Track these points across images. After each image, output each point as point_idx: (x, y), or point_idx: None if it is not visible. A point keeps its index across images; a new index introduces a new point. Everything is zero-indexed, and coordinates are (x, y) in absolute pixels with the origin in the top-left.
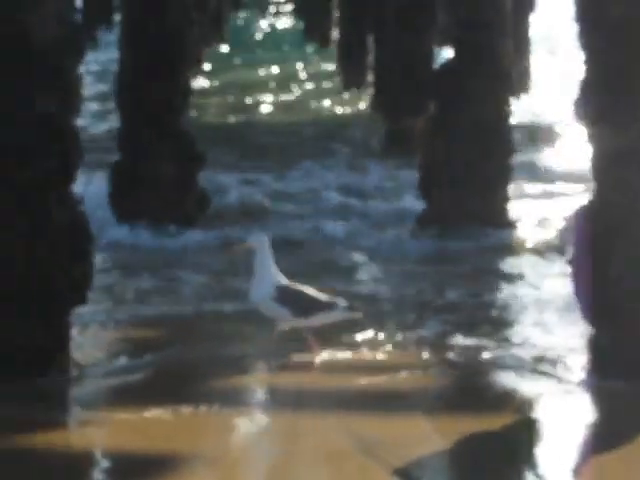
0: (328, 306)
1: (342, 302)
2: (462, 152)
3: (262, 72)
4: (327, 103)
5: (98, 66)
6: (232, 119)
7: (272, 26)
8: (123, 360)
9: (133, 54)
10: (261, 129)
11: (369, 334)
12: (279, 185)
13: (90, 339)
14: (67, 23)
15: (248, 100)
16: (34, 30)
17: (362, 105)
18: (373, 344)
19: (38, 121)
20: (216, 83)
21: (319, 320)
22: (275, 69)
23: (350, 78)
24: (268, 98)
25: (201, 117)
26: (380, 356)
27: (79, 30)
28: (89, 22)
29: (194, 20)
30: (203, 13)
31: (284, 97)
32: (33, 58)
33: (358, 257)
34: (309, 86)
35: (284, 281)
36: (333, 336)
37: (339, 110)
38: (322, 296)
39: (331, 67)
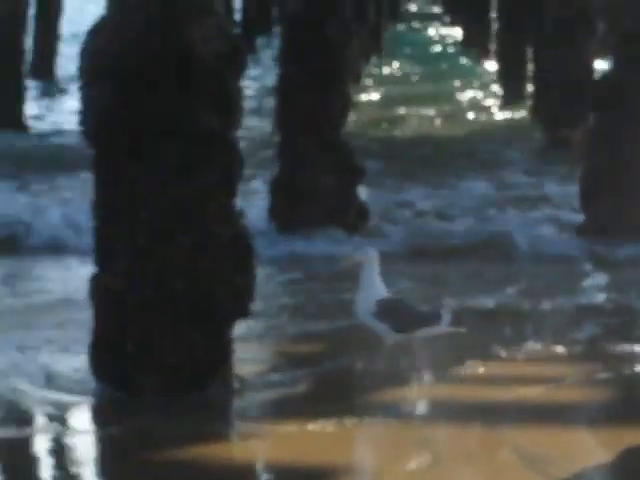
0: (431, 321)
1: (447, 316)
2: (623, 163)
3: (419, 84)
4: (486, 115)
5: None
6: (391, 132)
7: (430, 37)
8: (284, 373)
9: (292, 67)
10: (423, 141)
11: (531, 344)
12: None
13: (251, 352)
14: (228, 38)
15: (407, 112)
16: (196, 46)
17: (521, 116)
18: (534, 355)
19: (200, 135)
20: (375, 96)
21: (421, 335)
22: (432, 81)
23: (510, 90)
24: (427, 110)
25: (359, 130)
26: (540, 367)
27: (240, 45)
28: (249, 36)
29: (353, 32)
30: (362, 25)
31: (443, 109)
32: (196, 73)
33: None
34: (467, 97)
35: (387, 296)
36: (492, 348)
37: (498, 122)
38: (425, 310)
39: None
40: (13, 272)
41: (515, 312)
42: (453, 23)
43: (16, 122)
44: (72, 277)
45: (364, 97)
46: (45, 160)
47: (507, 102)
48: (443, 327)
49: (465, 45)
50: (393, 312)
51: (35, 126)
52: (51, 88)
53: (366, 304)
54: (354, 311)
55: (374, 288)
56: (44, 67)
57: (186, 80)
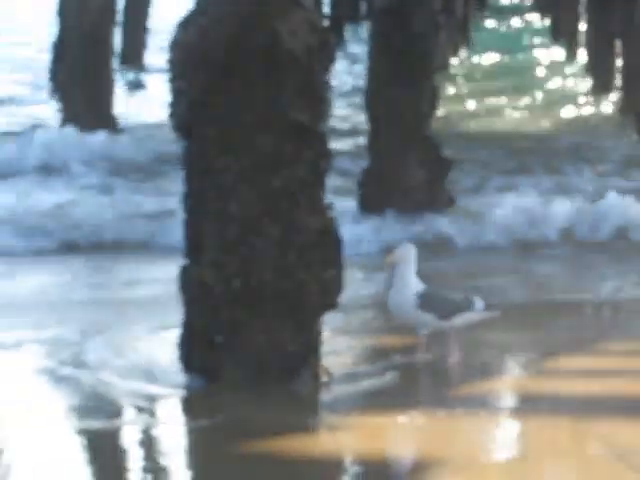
0: (466, 307)
1: (479, 301)
2: None
3: (507, 76)
4: (575, 107)
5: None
6: (480, 124)
7: (518, 29)
8: (372, 365)
9: (381, 61)
10: (512, 135)
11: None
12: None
13: (339, 344)
14: (317, 31)
15: (495, 105)
16: (286, 39)
17: (610, 108)
18: (627, 350)
19: (289, 128)
20: (464, 89)
21: (459, 321)
22: (520, 73)
23: (599, 81)
24: (515, 103)
25: (448, 122)
26: (634, 362)
27: (329, 38)
28: (337, 29)
29: (441, 25)
30: (450, 18)
31: (532, 101)
32: (285, 67)
33: None
34: (556, 89)
35: (422, 288)
36: (585, 342)
37: (587, 114)
38: (459, 297)
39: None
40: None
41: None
42: (542, 14)
43: (106, 119)
44: None
45: (452, 90)
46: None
47: (596, 94)
48: (477, 312)
49: (554, 36)
50: (432, 302)
51: (124, 122)
52: (139, 81)
53: (405, 298)
54: (390, 305)
55: (409, 281)
56: (133, 59)
57: (275, 74)
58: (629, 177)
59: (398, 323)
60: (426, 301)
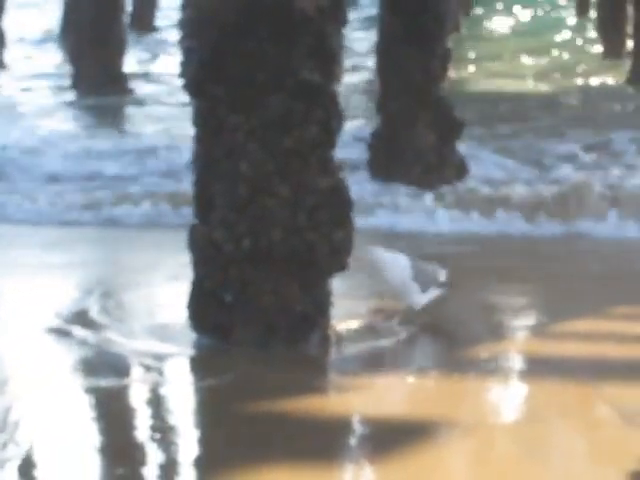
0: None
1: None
2: None
3: (518, 38)
4: (585, 72)
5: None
6: (490, 87)
7: None
8: (382, 327)
9: (391, 21)
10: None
11: (630, 304)
12: None
13: (349, 306)
14: None
15: (505, 67)
16: None
17: (621, 75)
18: (634, 313)
19: (300, 88)
20: (472, 52)
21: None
22: (530, 36)
23: (610, 46)
24: (524, 68)
25: (457, 84)
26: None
27: None
28: None
29: None
30: None
31: (541, 64)
32: (297, 26)
33: None
34: (567, 53)
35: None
36: (592, 305)
37: (597, 80)
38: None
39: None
40: None
41: None
42: None
43: (117, 80)
44: None
45: (463, 53)
46: None
47: (607, 58)
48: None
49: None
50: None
51: (136, 85)
52: (151, 40)
53: (401, 268)
54: (388, 275)
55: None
56: (144, 19)
57: (287, 33)
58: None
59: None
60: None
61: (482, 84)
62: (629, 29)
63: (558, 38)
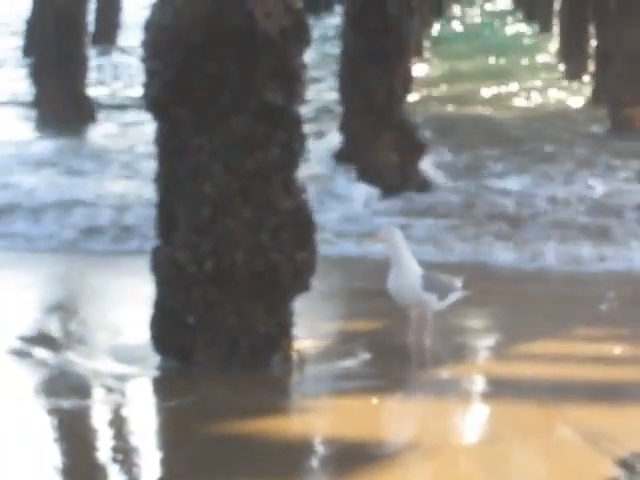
0: (453, 287)
1: (458, 281)
2: None
3: (478, 58)
4: (547, 94)
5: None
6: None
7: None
8: (343, 348)
9: (355, 43)
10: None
11: (590, 326)
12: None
13: (311, 327)
14: (291, 12)
15: (466, 89)
16: (261, 21)
17: (584, 95)
18: (594, 336)
19: (263, 110)
20: (437, 72)
21: (449, 302)
22: (492, 57)
23: (572, 67)
24: (486, 89)
25: (419, 106)
26: (601, 347)
27: (304, 20)
28: (311, 11)
29: (414, 8)
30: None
31: (503, 85)
32: (260, 48)
33: None
34: (528, 74)
35: (421, 270)
36: (553, 328)
37: (560, 101)
38: (447, 278)
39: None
40: None
41: None
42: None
43: (79, 102)
44: None
45: (424, 72)
46: None
47: (569, 79)
48: (459, 292)
49: (527, 19)
50: (433, 284)
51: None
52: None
53: (410, 279)
54: (393, 286)
55: (409, 264)
56: (106, 40)
57: (251, 55)
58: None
59: (369, 305)
60: (428, 283)
61: (441, 106)
62: (590, 50)
63: (520, 58)
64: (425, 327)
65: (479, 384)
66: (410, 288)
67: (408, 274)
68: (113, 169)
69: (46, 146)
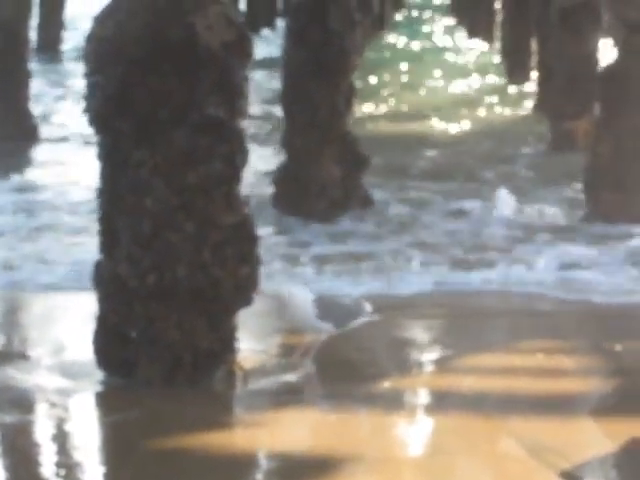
0: (356, 312)
1: (368, 305)
2: (627, 155)
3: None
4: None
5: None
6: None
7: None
8: (286, 362)
9: (297, 57)
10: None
11: (534, 339)
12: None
13: (253, 341)
14: (234, 26)
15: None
16: (202, 34)
17: (525, 107)
18: (536, 348)
19: (206, 123)
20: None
21: (352, 326)
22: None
23: (514, 80)
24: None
25: (363, 122)
26: (544, 359)
27: (246, 33)
28: (253, 25)
29: (356, 22)
30: (366, 15)
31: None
32: (201, 62)
33: None
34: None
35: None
36: (498, 340)
37: (501, 113)
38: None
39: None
40: None
41: None
42: (457, 13)
43: (23, 127)
44: None
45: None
46: None
47: (512, 84)
48: (366, 317)
49: (469, 35)
50: (327, 309)
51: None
52: (56, 73)
53: (305, 305)
54: (292, 312)
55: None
56: (49, 52)
57: (192, 69)
58: None
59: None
60: (320, 307)
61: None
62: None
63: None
64: None
65: (423, 397)
66: (305, 315)
67: (302, 300)
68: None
69: None
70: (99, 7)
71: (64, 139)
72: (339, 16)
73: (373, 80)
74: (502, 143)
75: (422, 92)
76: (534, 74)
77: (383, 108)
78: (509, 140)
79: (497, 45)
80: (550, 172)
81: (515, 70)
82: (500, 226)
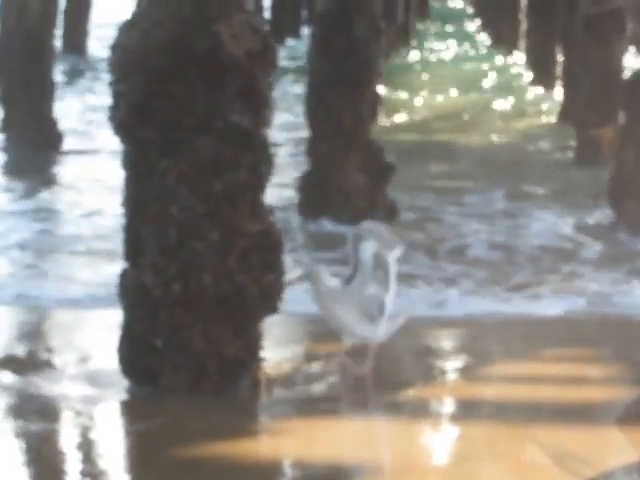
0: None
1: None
2: None
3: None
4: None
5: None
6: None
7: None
8: (312, 371)
9: (322, 65)
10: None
11: (558, 347)
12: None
13: (280, 350)
14: (259, 35)
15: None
16: (227, 43)
17: (551, 116)
18: (559, 356)
19: (230, 132)
20: (404, 95)
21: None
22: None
23: (539, 86)
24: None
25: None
26: (570, 368)
27: (271, 42)
28: (278, 34)
29: (381, 30)
30: (391, 24)
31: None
32: (226, 70)
33: None
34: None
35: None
36: (519, 349)
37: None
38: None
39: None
40: None
41: None
42: (483, 22)
43: (48, 136)
44: None
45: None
46: None
47: (536, 99)
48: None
49: (494, 44)
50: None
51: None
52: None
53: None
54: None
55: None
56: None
57: (217, 77)
58: None
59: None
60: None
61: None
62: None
63: (490, 83)
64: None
65: (448, 405)
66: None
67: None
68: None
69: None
70: (125, 15)
71: (89, 152)
72: (364, 24)
73: (399, 88)
74: (528, 153)
75: (446, 100)
76: (560, 81)
77: (409, 117)
78: (536, 150)
79: (522, 53)
80: (577, 184)
81: (540, 78)
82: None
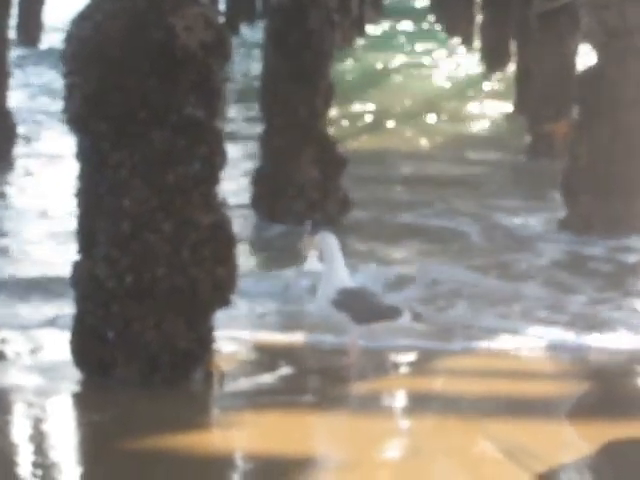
0: (390, 315)
1: (407, 314)
2: (605, 157)
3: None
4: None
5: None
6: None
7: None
8: (263, 363)
9: (275, 58)
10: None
11: (509, 340)
12: None
13: (231, 342)
14: (212, 27)
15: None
16: (181, 35)
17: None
18: (512, 350)
19: (184, 124)
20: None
21: (378, 328)
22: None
23: (493, 81)
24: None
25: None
26: (520, 362)
27: (225, 34)
28: (232, 25)
29: (335, 23)
30: (345, 16)
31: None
32: (180, 62)
33: None
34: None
35: (350, 284)
36: (473, 342)
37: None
38: (385, 304)
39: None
40: None
41: None
42: (437, 17)
43: (2, 126)
44: None
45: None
46: None
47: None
48: (404, 322)
49: (448, 35)
50: (354, 302)
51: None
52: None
53: (326, 292)
54: (315, 297)
55: (335, 276)
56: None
57: (170, 69)
58: None
59: (292, 320)
60: (344, 299)
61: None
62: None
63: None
64: (351, 345)
65: (399, 399)
66: (320, 300)
67: (326, 286)
68: None
69: None
70: (78, 8)
71: (43, 138)
72: (318, 17)
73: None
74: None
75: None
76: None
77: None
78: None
79: (476, 45)
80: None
81: (493, 71)
82: None
